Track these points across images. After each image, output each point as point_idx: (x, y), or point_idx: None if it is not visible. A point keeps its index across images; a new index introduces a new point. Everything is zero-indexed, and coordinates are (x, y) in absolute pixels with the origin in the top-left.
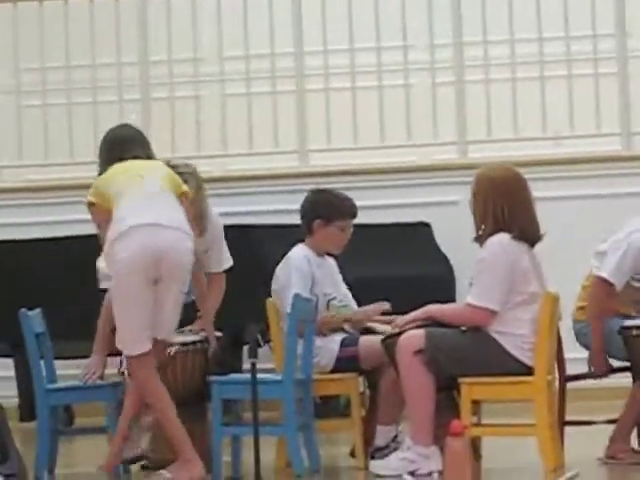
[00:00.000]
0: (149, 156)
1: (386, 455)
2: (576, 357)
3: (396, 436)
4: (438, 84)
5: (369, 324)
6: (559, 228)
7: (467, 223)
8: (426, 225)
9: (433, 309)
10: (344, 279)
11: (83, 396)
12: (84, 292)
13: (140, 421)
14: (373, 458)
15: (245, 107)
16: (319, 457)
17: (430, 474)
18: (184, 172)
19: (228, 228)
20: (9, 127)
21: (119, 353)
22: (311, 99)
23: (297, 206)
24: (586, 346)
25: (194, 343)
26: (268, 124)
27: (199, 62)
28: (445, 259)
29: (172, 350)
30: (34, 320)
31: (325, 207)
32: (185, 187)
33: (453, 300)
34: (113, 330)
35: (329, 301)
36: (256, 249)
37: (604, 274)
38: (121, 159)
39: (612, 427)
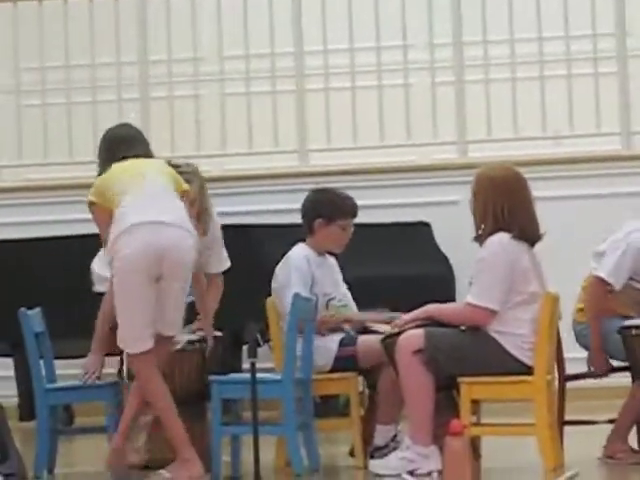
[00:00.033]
0: (149, 155)
1: (385, 454)
2: (576, 357)
3: (395, 435)
4: (438, 84)
5: (368, 324)
6: (559, 228)
7: (467, 223)
8: (426, 225)
9: (432, 309)
10: (344, 278)
11: (83, 396)
12: (84, 292)
13: (138, 420)
14: (372, 457)
15: (245, 106)
16: (318, 456)
17: (429, 474)
18: (186, 172)
19: (228, 228)
20: (9, 126)
21: (117, 353)
22: (311, 99)
23: (297, 206)
24: (586, 347)
25: (191, 343)
26: (268, 124)
27: (199, 61)
28: (445, 259)
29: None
30: (34, 319)
31: (326, 206)
32: (186, 185)
33: (453, 300)
34: (112, 329)
35: (328, 301)
36: (256, 249)
37: (602, 274)
38: (122, 158)
39: (612, 427)
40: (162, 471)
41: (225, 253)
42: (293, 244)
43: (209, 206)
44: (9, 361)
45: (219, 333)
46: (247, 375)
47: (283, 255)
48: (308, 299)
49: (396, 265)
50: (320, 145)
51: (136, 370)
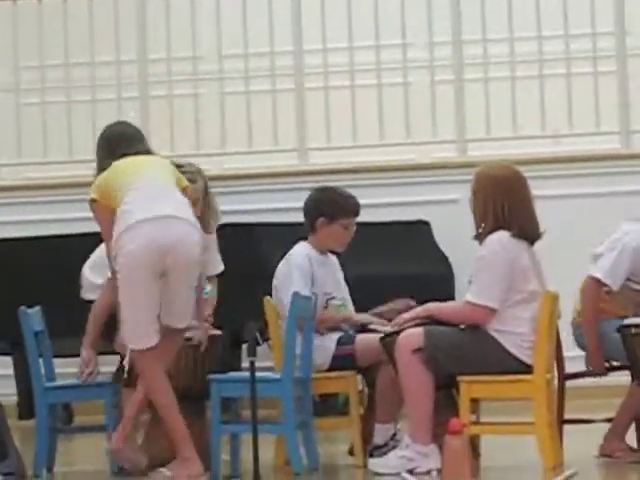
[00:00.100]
0: (149, 152)
1: (385, 453)
2: (575, 355)
3: (395, 434)
4: (437, 82)
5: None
6: (558, 226)
7: (466, 221)
8: (425, 223)
9: (432, 307)
10: (343, 277)
11: (82, 394)
12: None
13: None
14: (372, 456)
15: (244, 105)
16: (318, 455)
17: (429, 472)
18: (190, 171)
19: (227, 226)
20: (8, 125)
21: (114, 352)
22: (310, 97)
23: (297, 204)
24: (585, 349)
25: (186, 339)
26: (267, 122)
27: (198, 60)
28: (444, 257)
29: None
30: (33, 318)
31: (329, 205)
32: (187, 183)
33: (452, 298)
34: (106, 325)
35: (328, 300)
36: (255, 247)
37: (598, 275)
38: (122, 155)
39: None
40: (162, 469)
41: (219, 257)
42: (293, 243)
43: (215, 204)
44: (8, 360)
45: (218, 332)
46: (246, 374)
47: (283, 254)
48: (307, 298)
49: (395, 264)
50: (320, 144)
51: (140, 366)
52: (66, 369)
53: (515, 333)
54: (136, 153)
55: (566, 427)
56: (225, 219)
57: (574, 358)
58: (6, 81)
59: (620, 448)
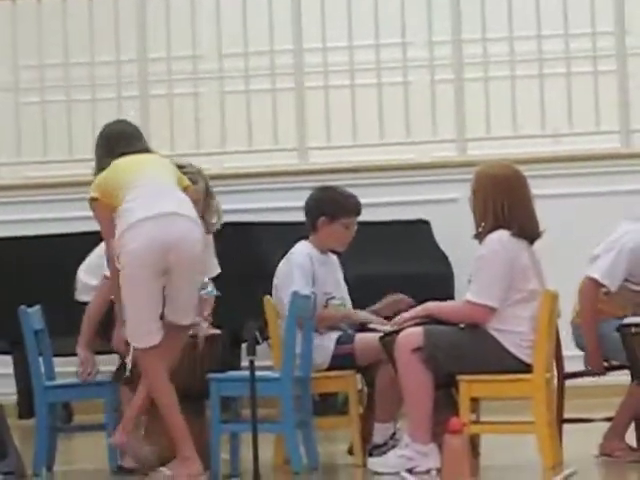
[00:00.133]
0: (148, 151)
1: (384, 452)
2: (574, 355)
3: (394, 433)
4: (437, 81)
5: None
6: (558, 226)
7: (466, 221)
8: (425, 223)
9: (432, 306)
10: (343, 276)
11: (82, 393)
12: None
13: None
14: (371, 455)
15: (244, 104)
16: (317, 454)
17: (428, 472)
18: (191, 172)
19: (227, 226)
20: (8, 124)
21: (113, 351)
22: (310, 96)
23: (296, 203)
24: (584, 349)
25: (190, 337)
26: (267, 121)
27: (198, 59)
28: (444, 257)
29: None
30: (33, 317)
31: (330, 204)
32: (187, 182)
33: (452, 298)
34: (103, 326)
35: (328, 300)
36: (255, 247)
37: (596, 275)
38: (123, 154)
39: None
40: (162, 468)
41: (215, 260)
42: (292, 242)
43: (217, 204)
44: (8, 359)
45: (218, 331)
46: (246, 373)
47: (282, 253)
48: (307, 297)
49: (395, 263)
50: (319, 143)
51: (143, 365)
52: (66, 368)
53: (515, 332)
54: (136, 152)
55: (566, 426)
56: (224, 218)
57: (573, 357)
58: (6, 80)
59: (620, 447)
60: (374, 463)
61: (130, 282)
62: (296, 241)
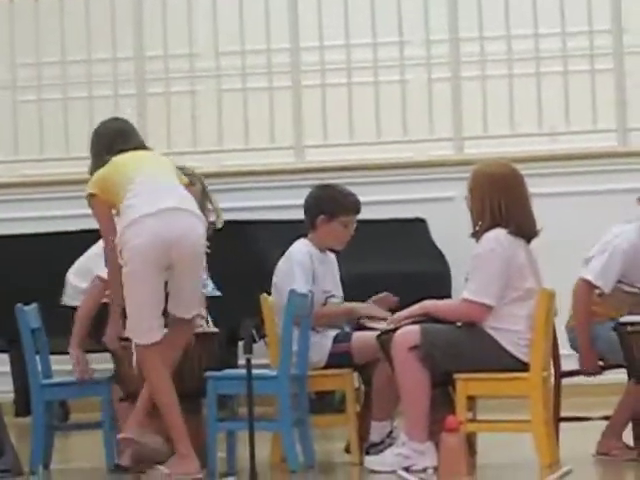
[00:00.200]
0: (145, 148)
1: (381, 451)
2: (571, 353)
3: (391, 432)
4: (434, 80)
5: (363, 321)
6: (555, 224)
7: (463, 219)
8: (422, 221)
9: (428, 305)
10: (339, 275)
11: (78, 391)
12: None
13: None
14: (368, 454)
15: (241, 102)
16: (314, 453)
17: (425, 470)
18: (188, 174)
19: (223, 224)
20: (5, 122)
21: (106, 350)
22: (307, 95)
23: (293, 202)
24: (579, 351)
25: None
26: (264, 120)
27: (195, 57)
28: (441, 255)
29: None
30: (30, 315)
31: (329, 203)
32: (185, 179)
33: (449, 296)
34: (93, 326)
35: (327, 298)
36: (251, 245)
37: (589, 276)
38: (121, 151)
39: (606, 423)
40: (160, 466)
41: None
42: (289, 240)
43: (214, 201)
44: (5, 357)
45: (215, 329)
46: (243, 371)
47: (279, 251)
48: (304, 295)
49: (392, 261)
50: (316, 141)
51: (144, 363)
52: (63, 366)
53: (511, 331)
54: (134, 149)
55: (562, 425)
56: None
57: (570, 356)
58: (3, 78)
59: (617, 446)
60: (371, 461)
61: (132, 278)
62: (293, 239)
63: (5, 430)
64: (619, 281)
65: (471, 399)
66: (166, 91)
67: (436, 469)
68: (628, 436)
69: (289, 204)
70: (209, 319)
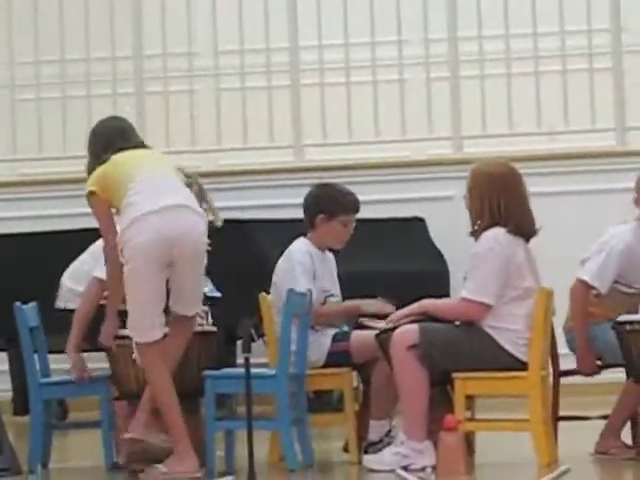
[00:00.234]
0: (145, 147)
1: (379, 450)
2: (570, 352)
3: (389, 431)
4: (433, 79)
5: (361, 320)
6: (554, 223)
7: (462, 218)
8: (420, 220)
9: (427, 304)
10: (338, 273)
11: (77, 390)
12: None
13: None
14: (366, 453)
15: (240, 102)
16: (312, 452)
17: (423, 469)
18: (186, 175)
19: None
20: (3, 121)
21: (102, 349)
22: (306, 94)
23: (292, 201)
24: (576, 351)
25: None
26: (263, 119)
27: (193, 56)
28: (439, 254)
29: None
30: (28, 314)
31: (328, 202)
32: (184, 177)
33: (447, 295)
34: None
35: (326, 297)
36: (250, 244)
37: (586, 277)
38: (120, 149)
39: (605, 422)
40: (158, 465)
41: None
42: (288, 239)
43: (209, 201)
44: (3, 355)
45: (213, 328)
46: (241, 370)
47: (277, 250)
48: (303, 294)
49: (391, 260)
50: (315, 140)
51: (145, 361)
52: (61, 365)
53: (510, 330)
54: (133, 147)
55: (561, 424)
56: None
57: (569, 355)
58: (1, 76)
59: (615, 445)
60: (369, 460)
61: (134, 276)
62: (292, 238)
63: (3, 429)
64: (616, 282)
65: (470, 398)
66: (165, 90)
67: (434, 468)
68: (626, 435)
69: (288, 203)
70: (209, 317)
